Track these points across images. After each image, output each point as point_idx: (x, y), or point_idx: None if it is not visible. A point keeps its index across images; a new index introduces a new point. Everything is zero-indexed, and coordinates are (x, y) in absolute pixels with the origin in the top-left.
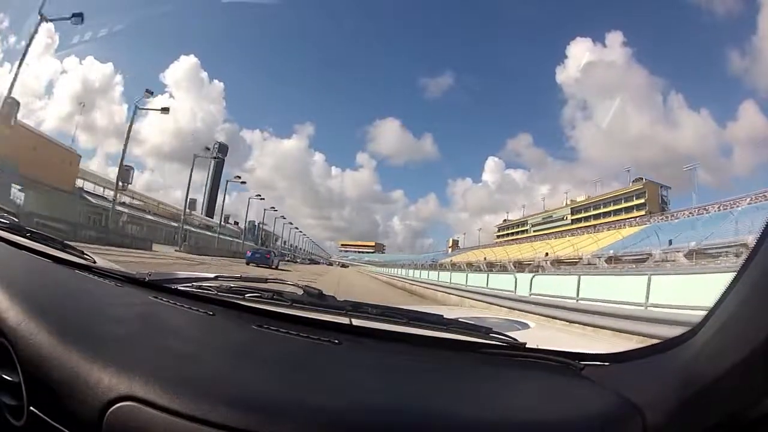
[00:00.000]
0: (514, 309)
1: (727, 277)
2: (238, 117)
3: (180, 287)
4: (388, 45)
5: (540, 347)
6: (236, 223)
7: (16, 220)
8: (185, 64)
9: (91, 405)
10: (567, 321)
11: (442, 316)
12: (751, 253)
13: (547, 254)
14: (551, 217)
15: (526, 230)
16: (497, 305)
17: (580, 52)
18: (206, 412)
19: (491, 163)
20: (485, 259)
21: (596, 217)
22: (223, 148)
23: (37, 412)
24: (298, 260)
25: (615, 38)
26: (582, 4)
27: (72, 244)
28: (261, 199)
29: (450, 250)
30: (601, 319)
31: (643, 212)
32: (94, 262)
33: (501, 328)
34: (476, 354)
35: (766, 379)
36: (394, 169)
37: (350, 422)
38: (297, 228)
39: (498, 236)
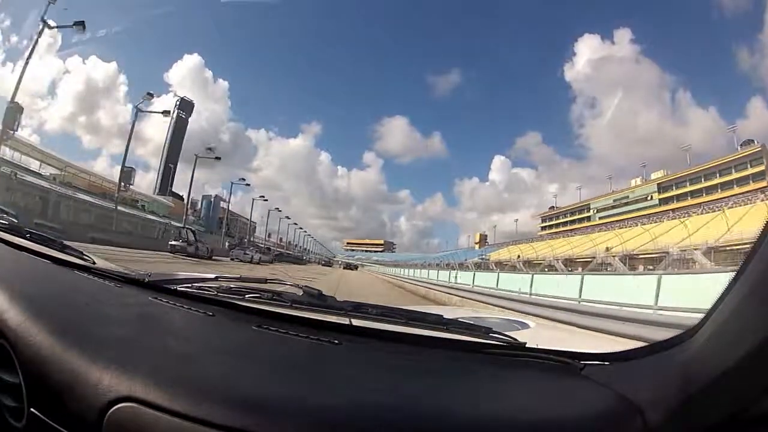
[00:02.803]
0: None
1: (727, 277)
2: (243, 117)
3: (179, 288)
4: (394, 43)
5: (540, 347)
6: (173, 194)
7: (16, 221)
8: (189, 63)
9: (91, 406)
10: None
11: (441, 316)
12: (750, 253)
13: None
14: (627, 198)
15: (589, 217)
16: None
17: (588, 49)
18: (206, 413)
19: (508, 156)
20: (605, 253)
21: (695, 194)
22: (186, 105)
23: (37, 413)
24: (247, 254)
25: (623, 34)
26: (590, 1)
27: (71, 245)
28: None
29: (477, 246)
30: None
31: (765, 182)
32: (94, 263)
33: (501, 327)
34: (476, 354)
35: (765, 379)
36: (402, 168)
37: (350, 422)
38: (301, 227)
39: (543, 227)
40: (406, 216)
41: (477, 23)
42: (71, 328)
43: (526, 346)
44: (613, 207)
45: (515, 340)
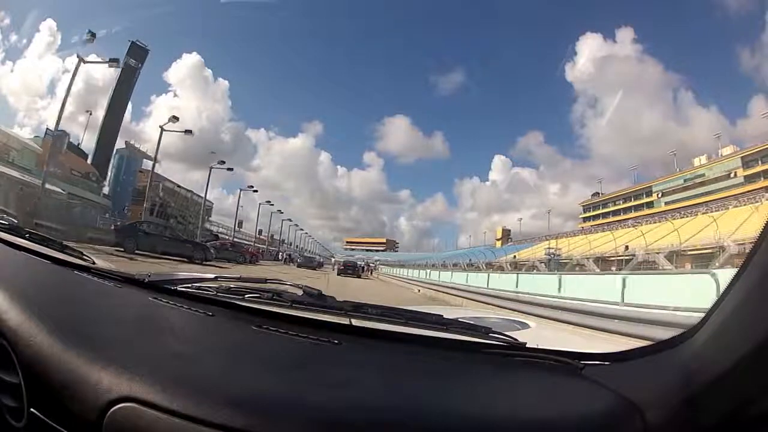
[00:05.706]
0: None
1: (727, 277)
2: (243, 116)
3: (179, 288)
4: (396, 42)
5: (540, 347)
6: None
7: (16, 221)
8: (189, 63)
9: (91, 406)
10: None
11: (441, 316)
12: (750, 253)
13: None
14: (703, 176)
15: (651, 203)
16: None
17: (589, 49)
18: (206, 413)
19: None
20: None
21: None
22: (137, 51)
23: (37, 413)
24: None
25: (625, 34)
26: (593, 1)
27: (71, 245)
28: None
29: (499, 243)
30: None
31: None
32: (94, 263)
33: (501, 327)
34: (476, 354)
35: (765, 379)
36: (403, 168)
37: (350, 422)
38: (301, 227)
39: (585, 218)
40: (407, 216)
41: (479, 23)
42: (71, 328)
43: (526, 346)
44: (685, 189)
45: (515, 340)
